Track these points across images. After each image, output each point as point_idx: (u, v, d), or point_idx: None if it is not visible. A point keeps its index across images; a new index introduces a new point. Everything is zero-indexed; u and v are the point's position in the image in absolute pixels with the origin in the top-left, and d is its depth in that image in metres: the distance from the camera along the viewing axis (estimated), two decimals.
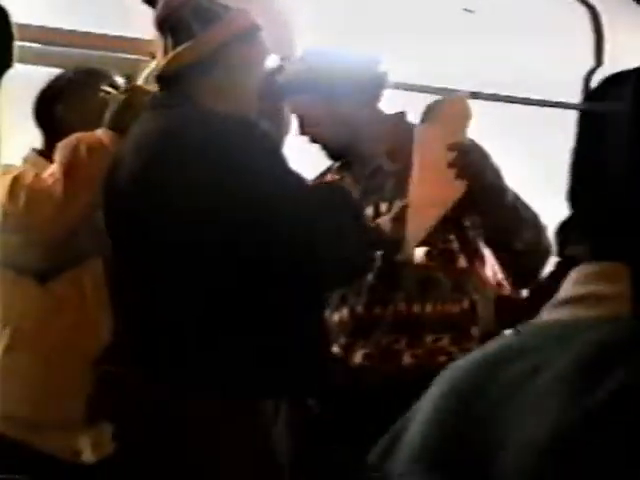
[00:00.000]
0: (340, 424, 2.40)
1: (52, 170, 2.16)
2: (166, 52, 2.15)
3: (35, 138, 2.57)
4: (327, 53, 2.57)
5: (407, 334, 2.44)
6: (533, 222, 2.43)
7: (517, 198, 2.45)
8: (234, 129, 2.01)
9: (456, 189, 2.18)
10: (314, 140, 2.55)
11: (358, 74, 2.55)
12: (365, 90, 2.55)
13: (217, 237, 1.96)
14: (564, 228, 0.94)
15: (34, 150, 2.48)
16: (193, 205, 1.95)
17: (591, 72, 4.58)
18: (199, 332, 1.97)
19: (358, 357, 2.43)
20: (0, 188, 2.15)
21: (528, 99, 4.80)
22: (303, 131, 2.52)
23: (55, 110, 2.52)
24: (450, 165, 2.15)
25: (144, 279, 2.02)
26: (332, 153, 2.57)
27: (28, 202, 2.08)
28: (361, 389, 2.44)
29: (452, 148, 2.17)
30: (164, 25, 2.16)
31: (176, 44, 2.14)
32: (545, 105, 4.88)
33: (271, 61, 2.29)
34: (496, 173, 2.43)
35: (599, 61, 4.59)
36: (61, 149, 2.24)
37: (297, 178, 2.12)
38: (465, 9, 5.02)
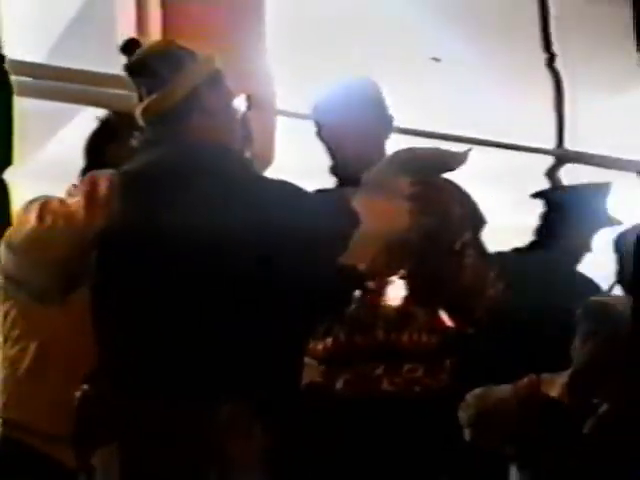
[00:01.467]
0: (320, 446, 2.49)
1: (77, 198, 2.32)
2: (140, 98, 2.23)
3: None
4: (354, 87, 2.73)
5: (385, 362, 2.52)
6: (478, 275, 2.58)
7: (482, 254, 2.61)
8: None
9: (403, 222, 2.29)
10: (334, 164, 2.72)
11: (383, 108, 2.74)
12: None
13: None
14: None
15: (74, 185, 2.65)
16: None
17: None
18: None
19: (340, 383, 2.52)
20: (31, 212, 2.23)
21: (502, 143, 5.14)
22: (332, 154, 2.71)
23: (107, 149, 2.70)
24: (411, 198, 2.27)
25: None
26: (344, 177, 2.69)
27: (53, 223, 2.24)
28: (342, 415, 2.50)
29: (415, 184, 2.29)
30: (135, 72, 2.24)
31: (149, 91, 2.22)
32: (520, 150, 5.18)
33: (239, 100, 2.39)
34: (473, 220, 2.60)
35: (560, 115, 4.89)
36: (82, 183, 2.40)
37: None
38: (433, 58, 5.49)
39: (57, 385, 2.42)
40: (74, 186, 2.46)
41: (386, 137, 2.69)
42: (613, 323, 3.19)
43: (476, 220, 2.63)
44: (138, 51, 2.23)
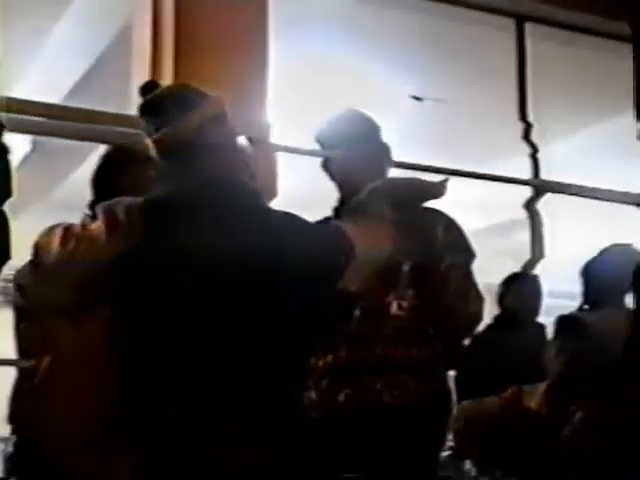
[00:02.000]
0: (323, 458, 2.54)
1: (98, 223, 2.33)
2: (149, 135, 2.28)
3: None
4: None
5: (384, 376, 2.62)
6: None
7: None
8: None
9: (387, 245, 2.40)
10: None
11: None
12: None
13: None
14: None
15: (87, 215, 2.69)
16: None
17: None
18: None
19: (341, 397, 2.62)
20: (55, 236, 2.31)
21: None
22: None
23: (115, 180, 2.77)
24: (394, 224, 2.39)
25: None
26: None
27: (76, 246, 2.38)
28: (343, 427, 2.59)
29: (397, 211, 2.41)
30: (148, 110, 2.30)
31: (157, 129, 2.27)
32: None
33: (242, 140, 2.44)
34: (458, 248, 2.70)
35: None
36: (101, 210, 2.52)
37: None
38: (413, 96, 5.64)
39: (67, 399, 2.42)
40: (87, 216, 2.58)
41: (389, 165, 2.80)
42: (583, 336, 3.47)
43: (462, 245, 2.74)
44: (154, 92, 2.31)
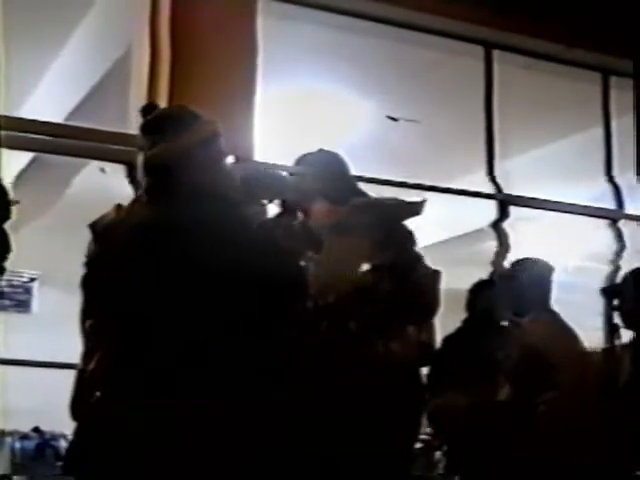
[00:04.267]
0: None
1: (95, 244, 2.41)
2: (144, 152, 2.37)
3: None
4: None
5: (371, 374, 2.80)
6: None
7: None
8: None
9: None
10: None
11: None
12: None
13: None
14: None
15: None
16: None
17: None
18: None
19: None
20: None
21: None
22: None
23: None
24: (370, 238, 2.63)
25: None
26: None
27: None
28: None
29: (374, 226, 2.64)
30: (146, 130, 2.39)
31: (150, 148, 2.35)
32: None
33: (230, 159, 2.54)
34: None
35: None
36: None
37: None
38: (388, 117, 5.69)
39: None
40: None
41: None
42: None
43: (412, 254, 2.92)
44: (153, 113, 2.43)
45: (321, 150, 3.04)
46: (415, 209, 2.73)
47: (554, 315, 4.01)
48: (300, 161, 3.03)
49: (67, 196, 6.61)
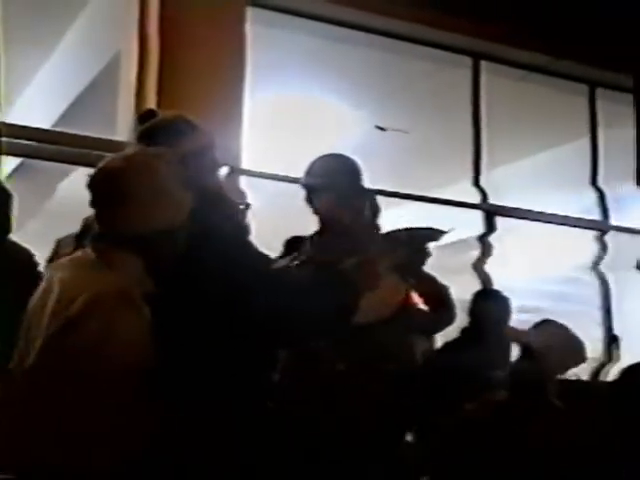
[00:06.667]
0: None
1: None
2: None
3: None
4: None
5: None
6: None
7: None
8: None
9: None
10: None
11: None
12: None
13: None
14: None
15: None
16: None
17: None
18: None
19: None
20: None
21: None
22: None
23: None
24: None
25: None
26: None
27: None
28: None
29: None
30: (141, 139, 2.36)
31: None
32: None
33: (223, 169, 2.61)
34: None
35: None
36: None
37: None
38: (377, 126, 5.77)
39: None
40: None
41: (366, 203, 2.98)
42: None
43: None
44: (151, 121, 2.39)
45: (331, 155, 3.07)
46: (436, 236, 2.83)
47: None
48: (313, 166, 3.05)
49: (53, 202, 6.63)
